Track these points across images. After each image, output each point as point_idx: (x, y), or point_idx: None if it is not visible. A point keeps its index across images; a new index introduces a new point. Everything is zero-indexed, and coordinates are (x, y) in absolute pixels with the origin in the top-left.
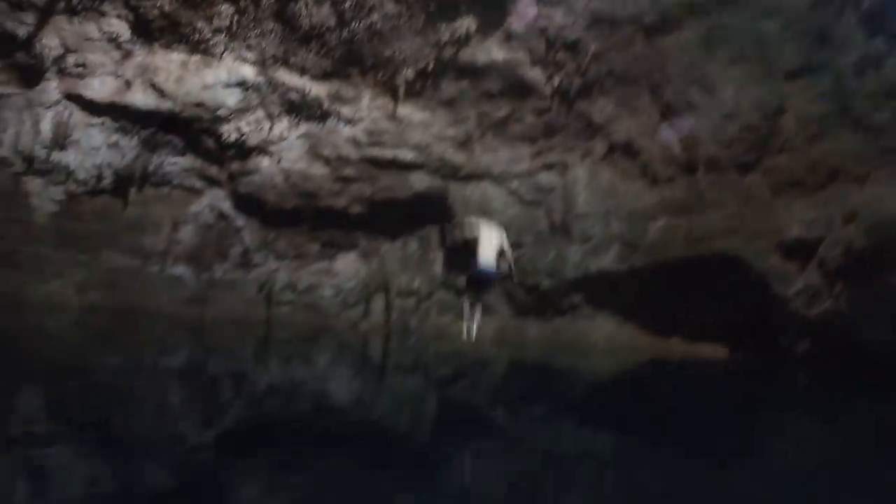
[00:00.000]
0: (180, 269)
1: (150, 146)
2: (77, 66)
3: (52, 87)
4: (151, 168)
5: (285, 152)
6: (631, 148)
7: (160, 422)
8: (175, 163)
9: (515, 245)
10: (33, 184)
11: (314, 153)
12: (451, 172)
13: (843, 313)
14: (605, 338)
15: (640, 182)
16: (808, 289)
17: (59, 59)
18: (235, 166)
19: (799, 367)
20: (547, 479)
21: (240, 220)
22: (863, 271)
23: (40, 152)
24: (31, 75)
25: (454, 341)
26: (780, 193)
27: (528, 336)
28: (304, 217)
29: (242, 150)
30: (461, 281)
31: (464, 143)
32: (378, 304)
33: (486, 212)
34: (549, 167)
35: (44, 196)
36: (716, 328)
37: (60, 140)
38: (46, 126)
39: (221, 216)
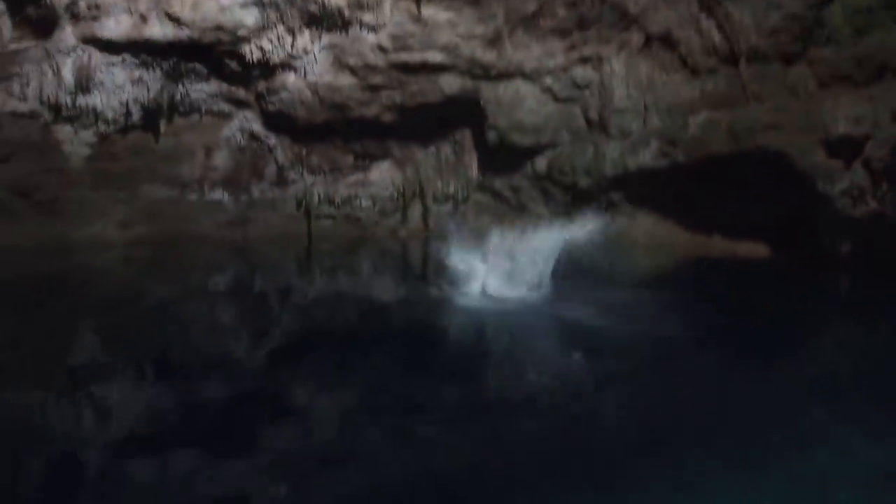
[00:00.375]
0: (218, 194)
1: (173, 76)
2: (89, 8)
3: (67, 34)
4: (178, 98)
5: (310, 66)
6: (669, 39)
7: (221, 338)
8: (201, 89)
9: (551, 144)
10: (63, 131)
11: (340, 64)
12: (482, 72)
13: (888, 214)
14: (645, 235)
15: (679, 74)
16: (853, 188)
17: (71, 5)
18: (262, 86)
19: (841, 268)
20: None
21: (272, 139)
22: None
23: (65, 99)
24: (44, 26)
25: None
26: (825, 87)
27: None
28: (335, 130)
29: (267, 69)
30: (497, 183)
31: (493, 41)
32: (415, 210)
33: (520, 111)
34: (583, 61)
35: (75, 141)
36: (757, 227)
37: (84, 84)
38: (68, 73)
39: (253, 137)
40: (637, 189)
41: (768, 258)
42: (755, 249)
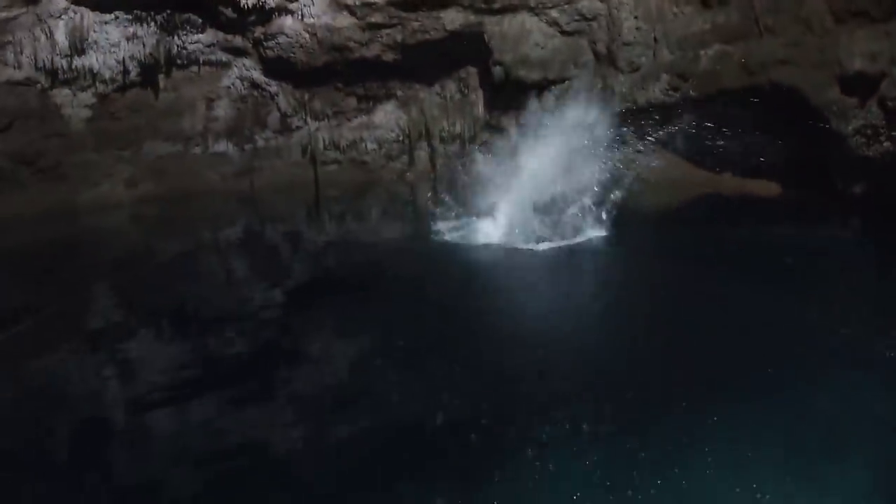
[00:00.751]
0: (222, 145)
1: (168, 29)
2: None
3: None
4: (175, 51)
5: (307, 8)
6: None
7: (235, 289)
8: (197, 40)
9: (560, 79)
10: (61, 95)
11: (337, 4)
12: (486, 6)
13: None
14: (655, 173)
15: (690, 6)
16: (867, 127)
17: None
18: (259, 31)
19: (853, 208)
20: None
21: (273, 86)
22: None
23: (61, 63)
24: None
25: None
26: (841, 22)
27: None
28: (336, 73)
29: (263, 14)
30: (504, 121)
31: None
32: (422, 152)
33: (525, 46)
34: None
35: (75, 104)
36: (769, 164)
37: (78, 45)
38: (61, 35)
39: (254, 85)
40: (646, 125)
41: (779, 196)
42: (767, 188)
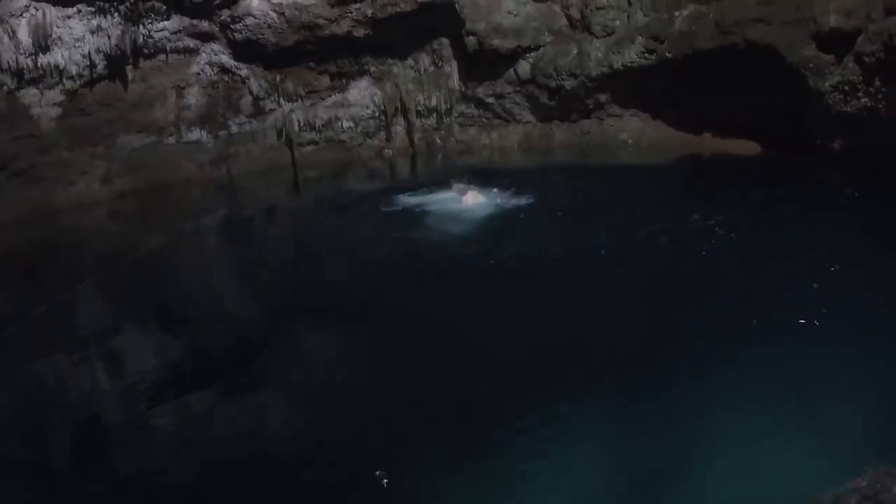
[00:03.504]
0: (196, 133)
1: (132, 19)
2: None
3: None
4: (141, 41)
5: None
6: None
7: (221, 279)
8: (163, 28)
9: (533, 47)
10: (29, 95)
11: None
12: None
13: (880, 110)
14: (634, 136)
15: None
16: (844, 83)
17: None
18: (225, 14)
19: (832, 165)
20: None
21: (243, 70)
22: None
23: (26, 62)
24: None
25: (480, 154)
26: None
27: (555, 140)
28: (307, 52)
29: None
30: (480, 91)
31: None
32: (399, 127)
33: (498, 14)
34: None
35: (43, 103)
36: (748, 124)
37: (42, 43)
38: (24, 34)
39: (224, 70)
40: (624, 88)
41: (759, 155)
42: (746, 147)
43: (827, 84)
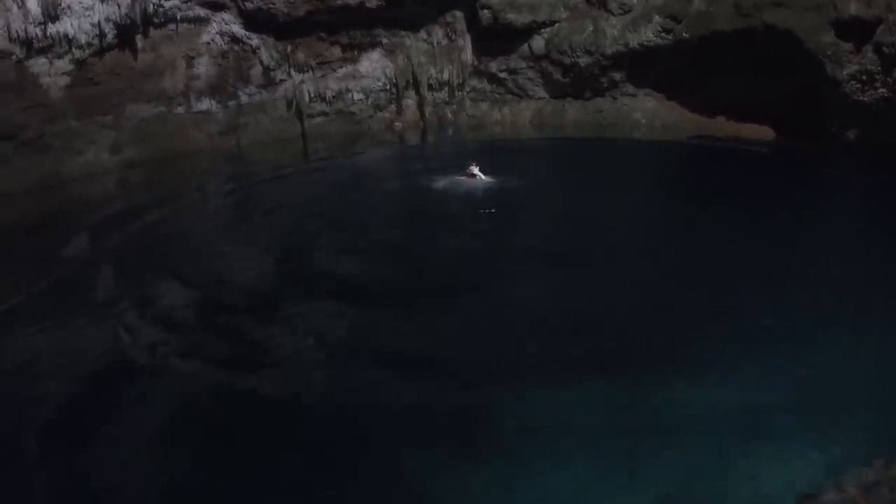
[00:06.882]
0: (206, 103)
1: None
2: None
3: None
4: (151, 9)
5: None
6: None
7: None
8: None
9: (548, 22)
10: (38, 65)
11: None
12: None
13: None
14: (647, 116)
15: None
16: (862, 72)
17: None
18: None
19: (847, 153)
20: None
21: (254, 39)
22: None
23: (35, 31)
24: None
25: (492, 129)
26: None
27: (568, 118)
28: (319, 22)
29: None
30: (493, 66)
31: None
32: (410, 100)
33: None
34: None
35: (52, 73)
36: (763, 108)
37: (51, 12)
38: (33, 3)
39: (234, 40)
40: (639, 68)
41: (773, 141)
42: (761, 132)
43: (845, 72)
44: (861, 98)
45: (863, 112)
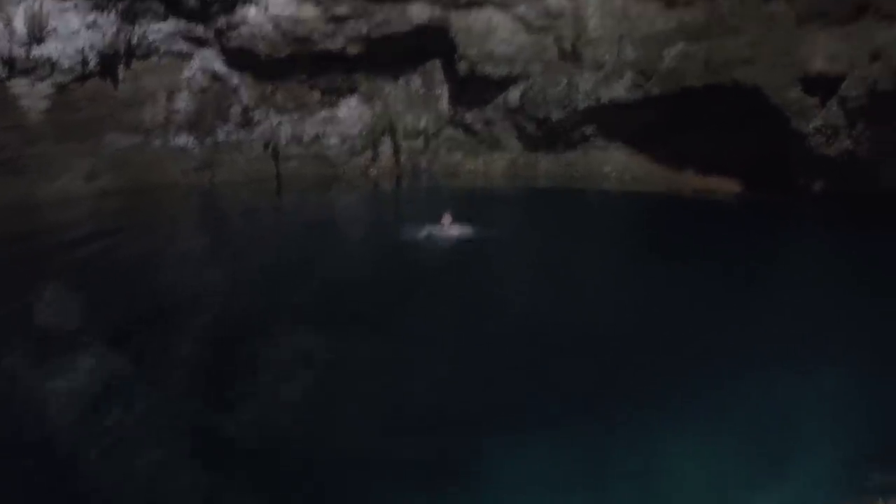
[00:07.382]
0: (183, 139)
1: (129, 17)
2: None
3: None
4: (135, 40)
5: None
6: None
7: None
8: (158, 30)
9: (523, 76)
10: (19, 86)
11: None
12: (452, 0)
13: (861, 154)
14: (617, 169)
15: (655, 4)
16: (827, 126)
17: None
18: (221, 21)
19: (813, 206)
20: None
21: (235, 78)
22: (885, 112)
23: (19, 51)
24: None
25: (466, 178)
26: (804, 23)
27: (540, 170)
28: (300, 65)
29: (226, 3)
30: (469, 117)
31: None
32: (386, 147)
33: (491, 41)
34: None
35: (33, 95)
36: (731, 162)
37: (37, 33)
38: (19, 23)
39: (215, 77)
40: (610, 122)
41: (740, 194)
42: (728, 185)
43: (810, 126)
44: (826, 151)
45: (828, 164)
